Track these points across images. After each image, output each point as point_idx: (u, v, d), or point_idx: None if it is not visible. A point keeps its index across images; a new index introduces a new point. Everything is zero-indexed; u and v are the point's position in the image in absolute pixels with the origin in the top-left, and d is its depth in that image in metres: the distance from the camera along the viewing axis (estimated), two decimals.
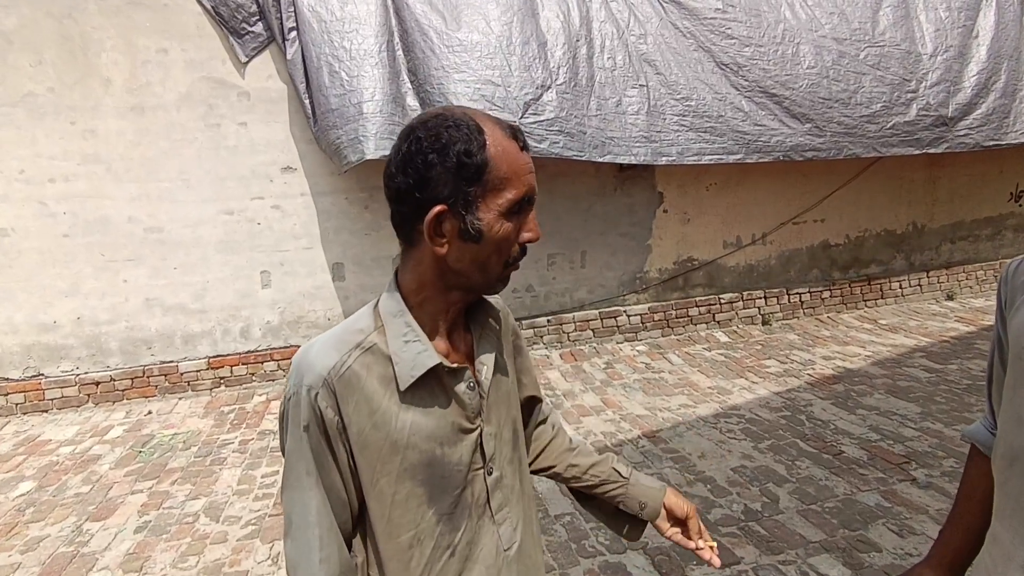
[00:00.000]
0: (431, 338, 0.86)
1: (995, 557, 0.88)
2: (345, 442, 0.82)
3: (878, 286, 5.78)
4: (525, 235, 0.83)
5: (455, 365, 0.86)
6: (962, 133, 5.08)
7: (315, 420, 0.80)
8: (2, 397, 4.12)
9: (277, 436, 0.87)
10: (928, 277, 5.94)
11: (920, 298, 5.93)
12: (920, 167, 5.72)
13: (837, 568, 2.30)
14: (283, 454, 0.85)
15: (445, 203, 0.78)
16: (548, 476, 1.13)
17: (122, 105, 4.12)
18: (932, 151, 5.06)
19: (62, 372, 4.24)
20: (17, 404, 4.15)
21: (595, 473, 1.11)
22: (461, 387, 0.86)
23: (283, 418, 0.84)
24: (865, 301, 5.75)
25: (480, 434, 0.89)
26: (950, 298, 6.00)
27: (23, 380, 4.17)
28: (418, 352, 0.82)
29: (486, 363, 0.90)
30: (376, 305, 0.88)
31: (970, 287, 6.09)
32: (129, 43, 4.08)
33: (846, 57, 4.84)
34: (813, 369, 4.38)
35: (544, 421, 1.14)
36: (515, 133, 0.81)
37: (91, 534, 2.76)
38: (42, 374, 4.21)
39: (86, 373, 4.27)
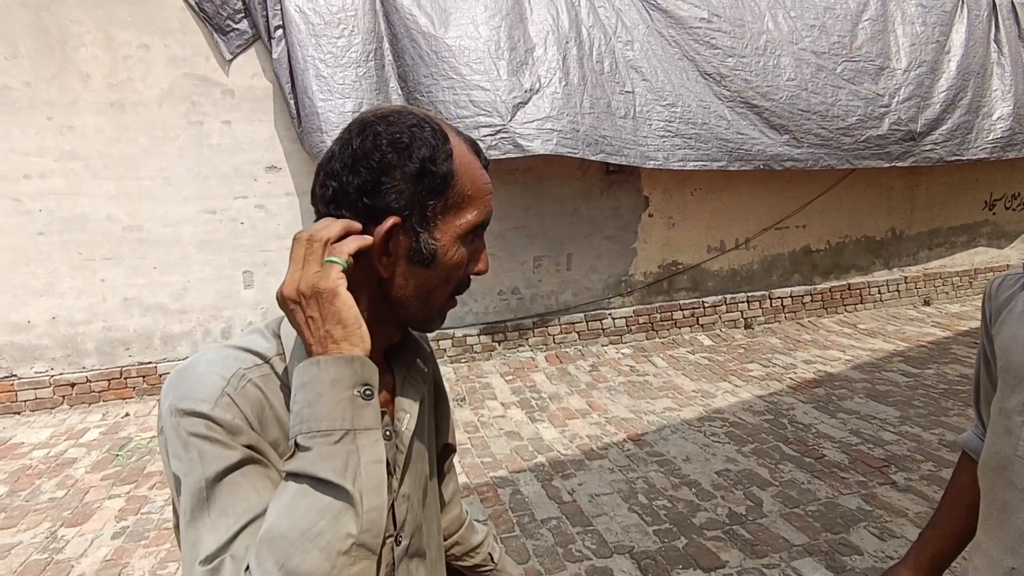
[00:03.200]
0: None
1: (979, 566, 0.89)
2: (267, 452, 0.64)
3: (858, 291, 5.88)
4: (475, 266, 0.74)
5: None
6: (927, 147, 5.23)
7: (224, 429, 0.61)
8: None
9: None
10: (906, 283, 6.05)
11: (898, 303, 6.04)
12: (899, 175, 5.83)
13: (820, 571, 2.32)
14: (179, 492, 0.61)
15: (399, 215, 0.66)
16: None
17: (101, 101, 4.04)
18: (899, 164, 5.20)
19: (36, 373, 4.14)
20: None
21: (475, 554, 1.06)
22: None
23: (167, 450, 0.62)
24: (845, 306, 5.84)
25: (394, 497, 0.75)
26: (927, 303, 6.12)
27: None
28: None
29: (408, 411, 0.77)
30: (279, 327, 0.71)
31: (946, 293, 6.22)
32: (109, 37, 4.00)
33: (824, 71, 4.93)
34: (795, 373, 4.43)
35: (449, 475, 1.03)
36: (477, 149, 0.73)
37: (66, 540, 2.69)
38: (15, 375, 4.10)
39: (61, 374, 4.17)
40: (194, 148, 4.23)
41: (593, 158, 4.38)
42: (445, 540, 1.00)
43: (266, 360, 0.67)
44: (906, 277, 6.07)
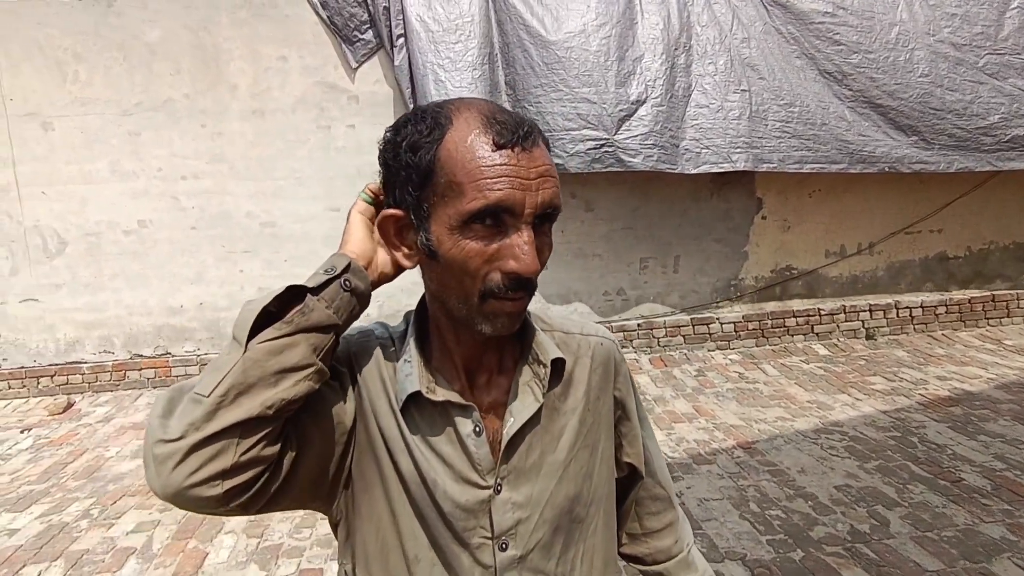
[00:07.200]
0: (440, 367, 0.76)
1: None
2: (355, 398, 0.75)
3: (1003, 303, 5.30)
4: (505, 263, 0.65)
5: (441, 399, 0.72)
6: None
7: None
8: (137, 372, 4.58)
9: None
10: None
11: None
12: None
13: None
14: None
15: (401, 208, 0.69)
16: (635, 567, 0.96)
17: (245, 109, 4.47)
18: None
19: (186, 352, 4.66)
20: (148, 379, 4.59)
21: None
22: (466, 428, 0.73)
23: None
24: (987, 319, 5.29)
25: (491, 499, 0.74)
26: None
27: (154, 357, 4.61)
28: (406, 375, 0.73)
29: (515, 415, 0.75)
30: (411, 314, 0.81)
31: None
32: (254, 52, 4.42)
33: (963, 65, 4.50)
34: (926, 389, 4.09)
35: (653, 504, 0.93)
36: (502, 129, 0.64)
37: None
38: (169, 353, 4.64)
39: (206, 354, 4.66)
40: (322, 151, 4.58)
41: (693, 171, 4.31)
42: (648, 567, 0.94)
43: (391, 337, 0.80)
44: None
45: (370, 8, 4.37)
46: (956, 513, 2.68)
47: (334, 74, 4.52)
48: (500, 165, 0.63)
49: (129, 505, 3.02)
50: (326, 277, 0.68)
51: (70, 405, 4.34)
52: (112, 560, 2.62)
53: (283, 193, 4.59)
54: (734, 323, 5.02)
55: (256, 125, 4.50)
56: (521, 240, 0.64)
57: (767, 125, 4.38)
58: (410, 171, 0.66)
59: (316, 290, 0.67)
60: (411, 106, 4.35)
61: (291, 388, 0.64)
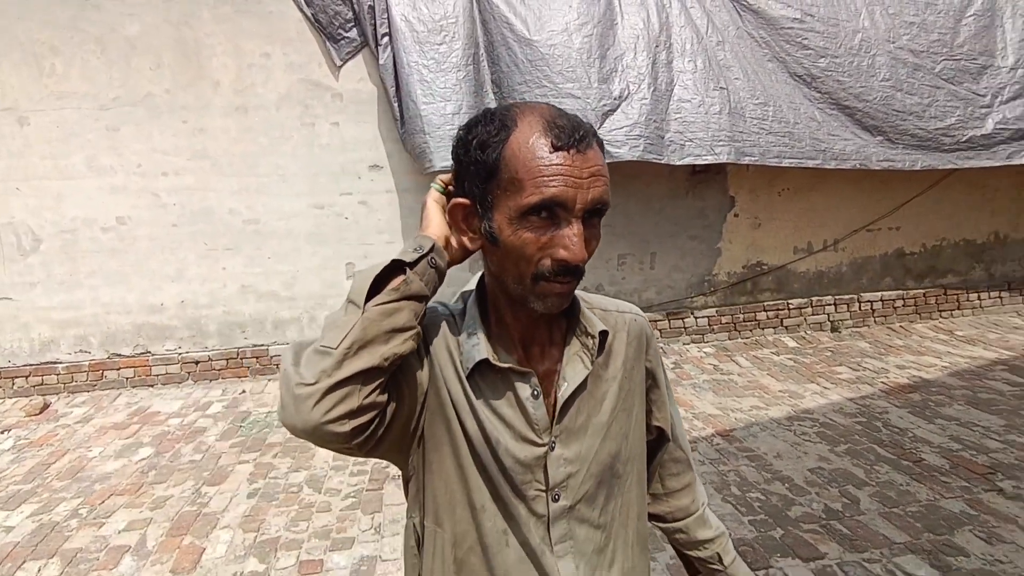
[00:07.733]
0: (499, 339, 0.85)
1: None
2: (427, 366, 0.83)
3: (954, 297, 5.64)
4: (556, 251, 0.74)
5: (505, 366, 0.82)
6: None
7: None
8: (115, 371, 4.51)
9: None
10: (1010, 289, 5.75)
11: (1000, 311, 5.75)
12: (1006, 175, 5.55)
13: (924, 568, 2.34)
14: None
15: (468, 197, 0.79)
16: (656, 525, 1.06)
17: (228, 105, 4.45)
18: (1017, 162, 4.94)
19: (167, 351, 4.61)
20: (127, 378, 4.53)
21: (701, 548, 1.04)
22: (525, 392, 0.83)
23: None
24: (940, 311, 5.62)
25: (546, 455, 0.83)
26: None
27: (133, 356, 4.55)
28: (473, 345, 0.83)
29: (568, 380, 0.85)
30: (469, 295, 0.90)
31: None
32: (237, 48, 4.40)
33: (921, 70, 4.78)
34: (887, 377, 4.34)
35: (676, 466, 1.04)
36: (560, 132, 0.72)
37: (209, 496, 3.03)
38: (149, 352, 4.59)
39: (188, 352, 4.62)
40: (306, 147, 4.58)
41: (678, 163, 4.46)
42: (668, 524, 1.05)
43: (451, 312, 0.90)
44: (1009, 283, 5.77)
45: (354, 6, 4.39)
46: (919, 490, 2.89)
47: (318, 71, 4.53)
48: (556, 165, 0.72)
49: (118, 504, 3.01)
50: (416, 255, 0.77)
51: (46, 406, 4.26)
52: (107, 558, 2.62)
53: (266, 190, 4.58)
54: (708, 318, 5.22)
55: (239, 121, 4.47)
56: (571, 232, 0.73)
57: (746, 121, 4.55)
58: (478, 166, 0.76)
59: (411, 265, 0.77)
60: (395, 105, 4.40)
61: (401, 345, 0.74)
